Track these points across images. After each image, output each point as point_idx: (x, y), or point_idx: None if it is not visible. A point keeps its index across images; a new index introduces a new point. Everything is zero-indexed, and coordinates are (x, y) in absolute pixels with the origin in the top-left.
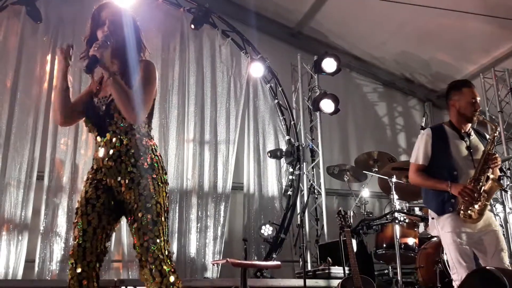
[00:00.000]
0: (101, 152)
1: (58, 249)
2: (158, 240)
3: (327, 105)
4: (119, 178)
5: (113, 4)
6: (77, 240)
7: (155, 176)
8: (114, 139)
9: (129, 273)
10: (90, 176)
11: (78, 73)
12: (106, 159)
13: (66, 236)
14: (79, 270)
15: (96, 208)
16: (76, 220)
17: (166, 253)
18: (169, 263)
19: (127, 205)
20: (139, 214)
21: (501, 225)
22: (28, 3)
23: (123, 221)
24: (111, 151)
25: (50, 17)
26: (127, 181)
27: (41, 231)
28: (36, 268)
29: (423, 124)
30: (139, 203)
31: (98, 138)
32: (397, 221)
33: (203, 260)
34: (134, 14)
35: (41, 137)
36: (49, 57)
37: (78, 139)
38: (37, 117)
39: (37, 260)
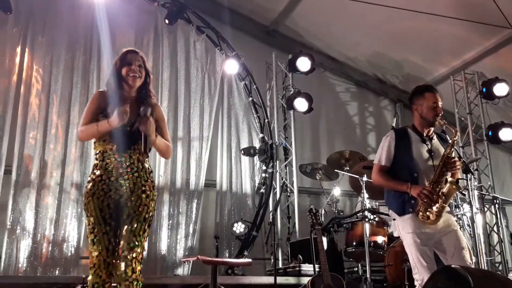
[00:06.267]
0: (117, 163)
1: (25, 245)
2: (141, 244)
3: (300, 104)
4: (133, 188)
5: (137, 52)
6: (101, 255)
7: (156, 194)
8: (133, 157)
9: None
10: (98, 186)
11: (48, 67)
12: (126, 171)
13: (33, 232)
14: (103, 277)
15: (113, 227)
16: (96, 237)
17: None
18: (141, 265)
19: (129, 210)
20: (136, 223)
21: (468, 225)
22: None
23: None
24: (132, 166)
25: (20, 8)
26: (139, 193)
27: (8, 227)
28: (2, 264)
29: (394, 124)
30: (141, 213)
31: (114, 151)
32: (367, 220)
33: (174, 257)
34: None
35: (9, 131)
36: (19, 49)
37: (48, 133)
38: (5, 110)
39: (3, 256)
